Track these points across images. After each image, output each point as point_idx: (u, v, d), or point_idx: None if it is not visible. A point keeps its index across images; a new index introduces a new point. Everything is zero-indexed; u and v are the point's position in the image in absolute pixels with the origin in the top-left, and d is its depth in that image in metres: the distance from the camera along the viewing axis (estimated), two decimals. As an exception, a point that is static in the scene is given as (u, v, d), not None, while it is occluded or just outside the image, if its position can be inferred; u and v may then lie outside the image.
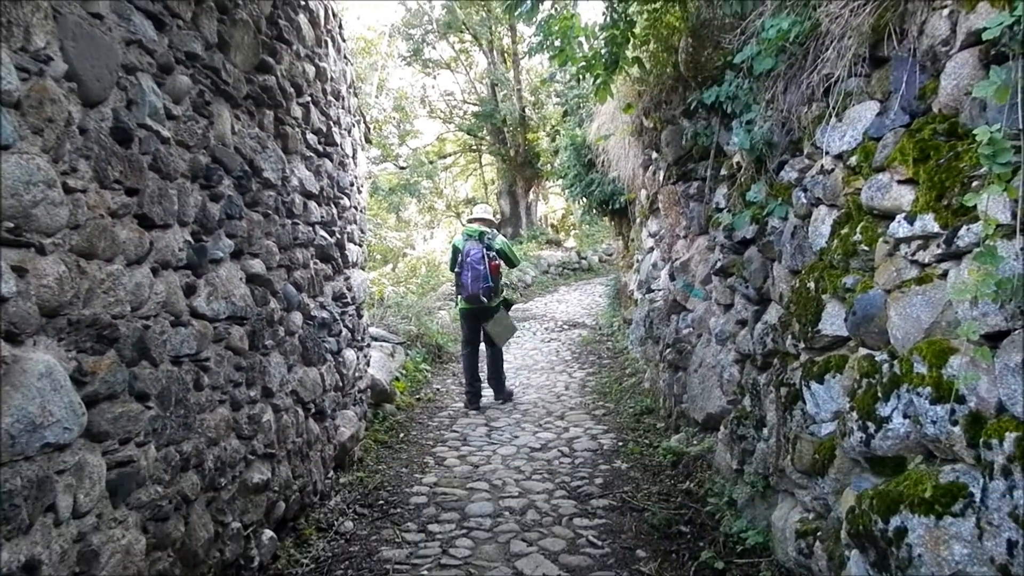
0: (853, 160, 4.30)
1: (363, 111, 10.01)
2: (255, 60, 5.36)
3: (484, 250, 10.67)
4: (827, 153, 4.63)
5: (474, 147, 38.14)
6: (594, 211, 16.26)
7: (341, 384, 7.65)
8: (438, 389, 12.40)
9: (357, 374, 8.42)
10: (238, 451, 5.00)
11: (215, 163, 4.68)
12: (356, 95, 9.27)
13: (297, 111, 6.35)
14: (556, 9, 9.15)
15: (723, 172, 7.06)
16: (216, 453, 4.65)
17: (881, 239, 3.90)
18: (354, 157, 8.61)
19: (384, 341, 12.86)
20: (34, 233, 2.84)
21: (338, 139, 7.68)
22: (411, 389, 11.86)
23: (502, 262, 11.06)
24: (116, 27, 3.54)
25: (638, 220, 11.86)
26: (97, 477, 3.28)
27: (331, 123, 7.44)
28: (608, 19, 8.37)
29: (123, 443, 3.57)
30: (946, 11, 3.60)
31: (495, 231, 11.36)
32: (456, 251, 10.97)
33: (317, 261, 7.00)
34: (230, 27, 4.92)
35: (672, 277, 8.64)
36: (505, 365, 11.86)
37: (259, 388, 5.42)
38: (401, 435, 9.48)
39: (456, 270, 10.95)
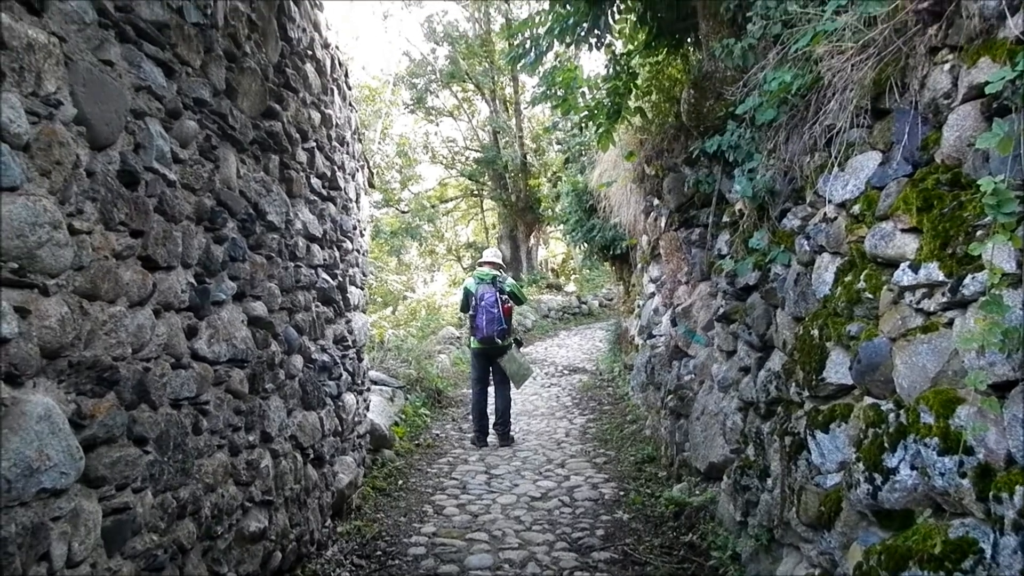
0: (856, 209, 4.31)
1: (367, 156, 10.07)
2: (262, 107, 5.40)
3: (497, 294, 10.92)
4: (830, 201, 4.65)
5: (476, 192, 38.38)
6: (595, 256, 16.35)
7: (340, 429, 7.60)
8: (437, 435, 12.34)
9: (356, 419, 8.38)
10: (235, 498, 4.94)
11: (220, 206, 4.69)
12: (360, 141, 9.32)
13: (302, 156, 6.38)
14: (559, 62, 9.26)
15: (725, 219, 7.10)
16: (213, 500, 4.60)
17: (885, 287, 3.90)
18: (357, 201, 8.65)
19: (384, 385, 12.83)
20: (38, 274, 2.83)
21: (342, 184, 7.72)
22: (410, 434, 11.80)
23: (513, 304, 11.31)
24: (126, 74, 3.57)
25: (639, 265, 11.89)
26: (92, 524, 3.22)
27: (335, 168, 7.48)
28: (611, 71, 8.46)
29: (120, 489, 3.52)
30: (947, 65, 3.64)
31: (505, 274, 11.58)
32: (468, 294, 11.21)
33: (319, 304, 7.00)
34: (238, 74, 4.96)
35: (674, 323, 8.62)
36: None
37: (258, 432, 5.38)
38: (400, 482, 9.40)
39: (470, 312, 11.19)
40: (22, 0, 2.81)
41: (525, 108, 32.32)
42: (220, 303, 4.72)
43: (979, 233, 3.18)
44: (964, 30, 3.50)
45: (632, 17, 8.61)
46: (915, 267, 3.57)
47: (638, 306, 12.46)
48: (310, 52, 6.68)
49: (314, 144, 6.76)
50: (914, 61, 3.89)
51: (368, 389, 9.55)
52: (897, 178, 3.99)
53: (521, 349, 12.79)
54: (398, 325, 20.48)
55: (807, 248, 4.94)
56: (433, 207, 36.14)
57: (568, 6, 8.34)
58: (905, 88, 3.99)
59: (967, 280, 3.17)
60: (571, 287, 34.70)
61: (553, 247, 41.80)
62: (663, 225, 8.97)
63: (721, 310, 6.71)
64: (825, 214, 4.73)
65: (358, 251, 8.70)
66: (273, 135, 5.65)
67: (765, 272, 5.71)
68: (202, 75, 4.46)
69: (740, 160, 6.11)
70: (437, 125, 37.13)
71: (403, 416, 12.28)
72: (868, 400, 4.02)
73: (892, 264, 3.88)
